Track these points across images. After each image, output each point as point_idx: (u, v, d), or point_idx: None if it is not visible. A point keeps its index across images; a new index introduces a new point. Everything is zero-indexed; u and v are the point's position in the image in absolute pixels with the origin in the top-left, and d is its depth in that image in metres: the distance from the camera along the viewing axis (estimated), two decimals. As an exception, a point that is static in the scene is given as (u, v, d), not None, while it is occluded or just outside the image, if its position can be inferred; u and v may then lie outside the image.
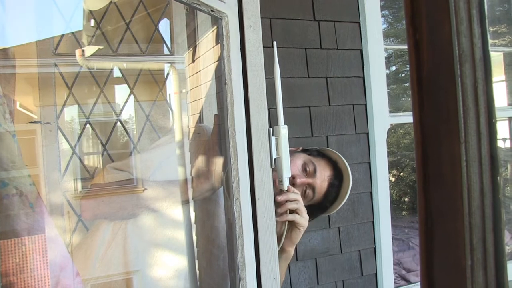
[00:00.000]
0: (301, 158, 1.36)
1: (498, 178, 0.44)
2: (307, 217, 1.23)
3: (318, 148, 1.49)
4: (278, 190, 1.17)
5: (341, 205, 1.40)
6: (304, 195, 1.33)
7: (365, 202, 2.27)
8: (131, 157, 2.38)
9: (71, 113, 2.40)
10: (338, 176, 1.38)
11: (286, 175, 1.08)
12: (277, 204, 1.19)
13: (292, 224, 1.21)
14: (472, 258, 0.43)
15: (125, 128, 2.54)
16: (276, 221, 1.19)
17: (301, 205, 1.20)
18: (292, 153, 1.29)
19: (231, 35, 0.97)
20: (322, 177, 1.35)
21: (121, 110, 2.49)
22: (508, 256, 2.79)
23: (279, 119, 1.07)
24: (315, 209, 1.39)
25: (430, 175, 0.47)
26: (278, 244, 1.25)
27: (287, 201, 1.18)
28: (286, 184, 1.10)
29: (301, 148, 1.47)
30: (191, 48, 1.66)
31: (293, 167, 1.31)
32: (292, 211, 1.20)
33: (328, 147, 2.13)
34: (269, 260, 0.99)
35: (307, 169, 1.34)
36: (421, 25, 0.47)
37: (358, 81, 2.27)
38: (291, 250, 1.28)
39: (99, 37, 2.36)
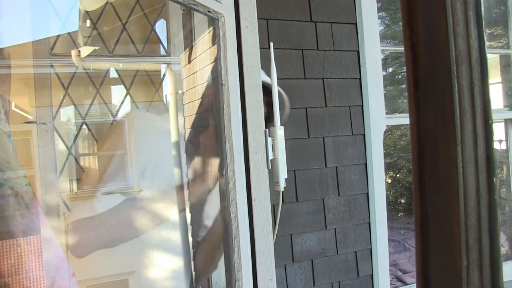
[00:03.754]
0: None
1: (494, 179, 0.44)
2: None
3: None
4: None
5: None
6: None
7: (362, 203, 2.27)
8: (126, 160, 2.37)
9: (67, 113, 2.39)
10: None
11: (283, 176, 1.08)
12: None
13: None
14: (468, 259, 0.43)
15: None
16: None
17: None
18: None
19: (228, 36, 0.97)
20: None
21: (117, 111, 2.49)
22: (504, 257, 2.79)
23: (276, 120, 1.07)
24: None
25: (426, 176, 0.47)
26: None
27: None
28: (282, 185, 1.10)
29: None
30: (188, 49, 1.66)
31: None
32: None
33: (324, 148, 2.13)
34: (265, 261, 0.98)
35: None
36: (417, 26, 0.47)
37: (355, 83, 2.27)
38: None
39: (95, 37, 2.35)
